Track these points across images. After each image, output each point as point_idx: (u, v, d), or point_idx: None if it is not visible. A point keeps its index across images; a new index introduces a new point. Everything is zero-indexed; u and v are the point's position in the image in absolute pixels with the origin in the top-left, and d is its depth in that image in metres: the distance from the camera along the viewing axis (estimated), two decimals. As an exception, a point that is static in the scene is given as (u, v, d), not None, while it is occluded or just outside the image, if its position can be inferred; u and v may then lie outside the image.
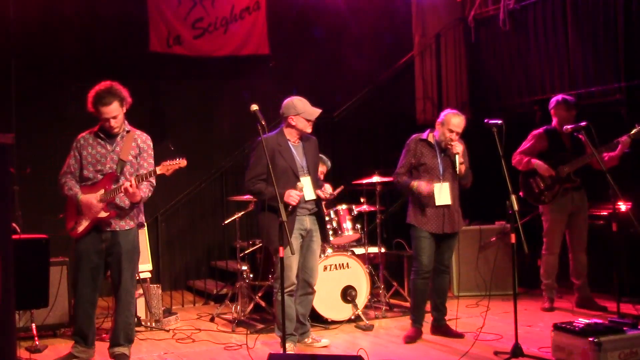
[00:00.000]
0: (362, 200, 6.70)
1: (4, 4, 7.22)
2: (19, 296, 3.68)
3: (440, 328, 5.56)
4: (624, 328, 4.49)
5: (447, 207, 5.36)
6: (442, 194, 5.35)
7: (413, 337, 5.44)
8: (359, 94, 9.00)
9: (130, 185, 4.69)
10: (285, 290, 5.01)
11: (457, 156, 5.27)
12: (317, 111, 5.21)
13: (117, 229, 4.90)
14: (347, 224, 6.37)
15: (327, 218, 6.35)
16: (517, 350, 4.69)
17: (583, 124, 5.90)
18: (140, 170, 4.92)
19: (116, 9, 8.10)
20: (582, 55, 7.41)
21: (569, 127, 6.04)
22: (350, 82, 9.16)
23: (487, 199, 7.44)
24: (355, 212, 6.47)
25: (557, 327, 4.65)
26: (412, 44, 9.31)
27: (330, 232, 6.28)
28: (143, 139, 5.00)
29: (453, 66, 8.93)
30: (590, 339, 4.34)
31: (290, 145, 5.24)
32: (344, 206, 6.43)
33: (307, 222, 5.22)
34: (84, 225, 4.86)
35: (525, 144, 6.39)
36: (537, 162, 6.24)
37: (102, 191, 4.83)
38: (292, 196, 4.98)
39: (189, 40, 8.44)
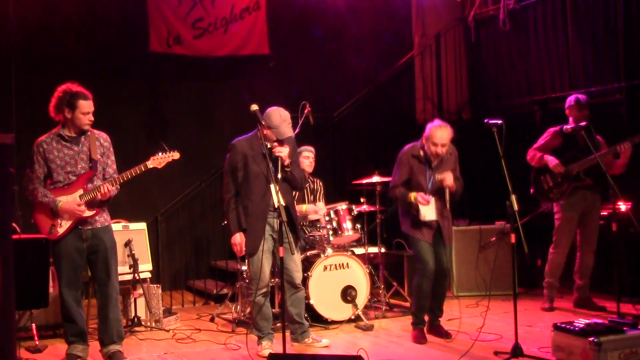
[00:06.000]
0: (362, 200, 6.70)
1: (4, 4, 7.21)
2: (19, 296, 3.68)
3: (434, 328, 5.60)
4: (624, 328, 4.49)
5: (435, 221, 5.38)
6: (429, 210, 5.35)
7: (423, 338, 5.44)
8: (359, 94, 9.01)
9: (109, 190, 4.81)
10: (260, 292, 5.13)
11: (447, 189, 5.28)
12: (288, 133, 5.09)
13: (99, 226, 4.92)
14: (347, 224, 6.36)
15: (326, 220, 6.39)
16: (517, 350, 4.69)
17: (583, 124, 5.89)
18: (108, 169, 4.98)
19: (116, 9, 8.11)
20: (582, 55, 7.41)
21: (569, 127, 6.03)
22: (350, 82, 9.17)
23: (487, 199, 7.47)
24: (355, 212, 6.46)
25: (557, 327, 4.65)
26: (412, 44, 9.32)
27: (331, 232, 6.29)
28: (105, 138, 5.04)
29: (453, 66, 8.93)
30: (590, 339, 4.34)
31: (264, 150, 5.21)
32: (344, 206, 6.43)
33: (276, 224, 5.18)
34: (65, 226, 4.83)
35: (540, 141, 6.33)
36: (548, 158, 6.17)
37: (80, 192, 4.83)
38: (235, 244, 5.17)
39: (189, 40, 8.45)
